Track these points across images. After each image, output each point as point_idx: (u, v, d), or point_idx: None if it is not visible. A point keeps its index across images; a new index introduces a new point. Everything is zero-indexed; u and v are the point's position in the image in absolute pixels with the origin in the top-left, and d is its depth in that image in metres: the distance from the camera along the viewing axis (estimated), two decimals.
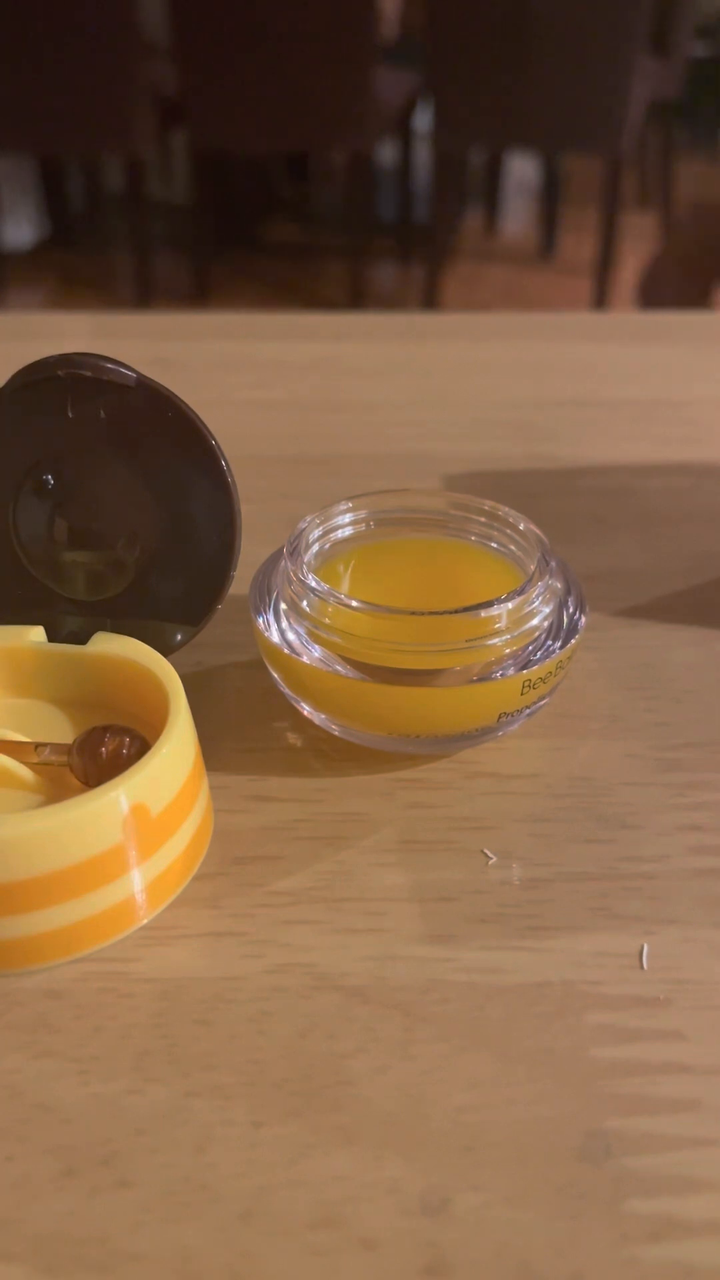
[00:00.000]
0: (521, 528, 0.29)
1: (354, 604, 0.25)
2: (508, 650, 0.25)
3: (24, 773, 0.24)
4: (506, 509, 0.29)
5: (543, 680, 0.26)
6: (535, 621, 0.26)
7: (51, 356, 0.25)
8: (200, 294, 2.03)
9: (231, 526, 0.26)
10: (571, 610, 0.27)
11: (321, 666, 0.26)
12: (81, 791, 0.22)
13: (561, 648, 0.26)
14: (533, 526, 0.28)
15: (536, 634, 0.26)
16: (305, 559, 0.27)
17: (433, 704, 0.25)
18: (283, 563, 0.27)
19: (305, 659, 0.26)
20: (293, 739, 0.28)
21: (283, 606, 0.27)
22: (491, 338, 0.56)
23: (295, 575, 0.26)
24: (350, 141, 1.82)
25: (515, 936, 0.23)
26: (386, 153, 2.31)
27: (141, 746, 0.24)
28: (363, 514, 0.30)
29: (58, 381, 0.25)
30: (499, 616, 0.25)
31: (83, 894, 0.21)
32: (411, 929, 0.23)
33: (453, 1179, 0.18)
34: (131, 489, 0.26)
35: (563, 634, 0.27)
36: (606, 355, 0.54)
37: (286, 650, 0.26)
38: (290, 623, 0.27)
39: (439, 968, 0.22)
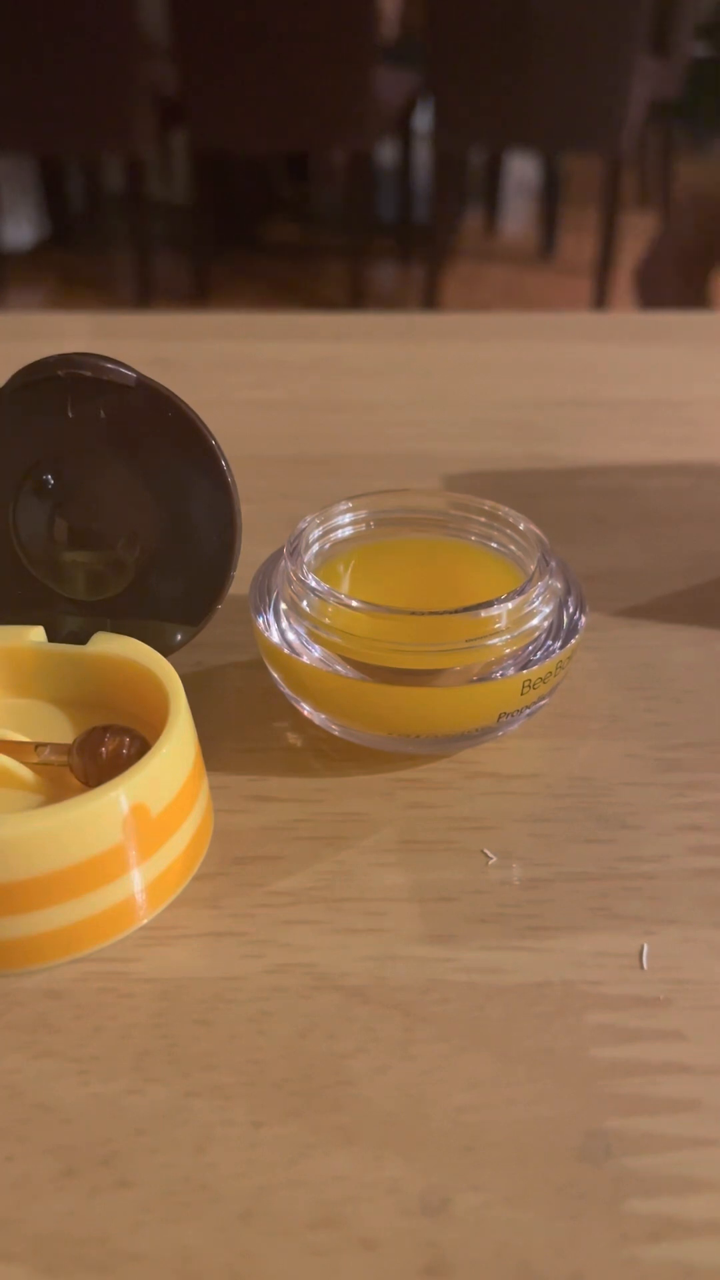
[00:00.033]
0: (521, 528, 0.29)
1: (354, 604, 0.25)
2: (508, 650, 0.25)
3: (24, 773, 0.24)
4: (506, 509, 0.29)
5: (543, 680, 0.26)
6: (535, 621, 0.26)
7: (51, 356, 0.25)
8: (200, 294, 2.03)
9: (231, 526, 0.26)
10: (571, 610, 0.27)
11: (321, 666, 0.26)
12: (81, 791, 0.22)
13: (561, 648, 0.26)
14: (533, 526, 0.28)
15: (536, 634, 0.26)
16: (305, 559, 0.27)
17: (433, 704, 0.25)
18: (283, 563, 0.27)
19: (305, 659, 0.26)
20: (293, 739, 0.28)
21: (283, 606, 0.27)
22: (491, 338, 0.56)
23: (295, 575, 0.26)
24: (350, 141, 1.82)
25: (515, 936, 0.23)
26: (386, 153, 2.31)
27: (141, 746, 0.24)
28: (363, 514, 0.30)
29: (58, 381, 0.25)
30: (499, 616, 0.25)
31: (83, 894, 0.21)
32: (411, 929, 0.23)
33: (453, 1179, 0.18)
34: (131, 489, 0.26)
35: (563, 634, 0.27)
36: (606, 355, 0.54)
37: (286, 650, 0.26)
38: (290, 623, 0.27)
39: (439, 968, 0.22)
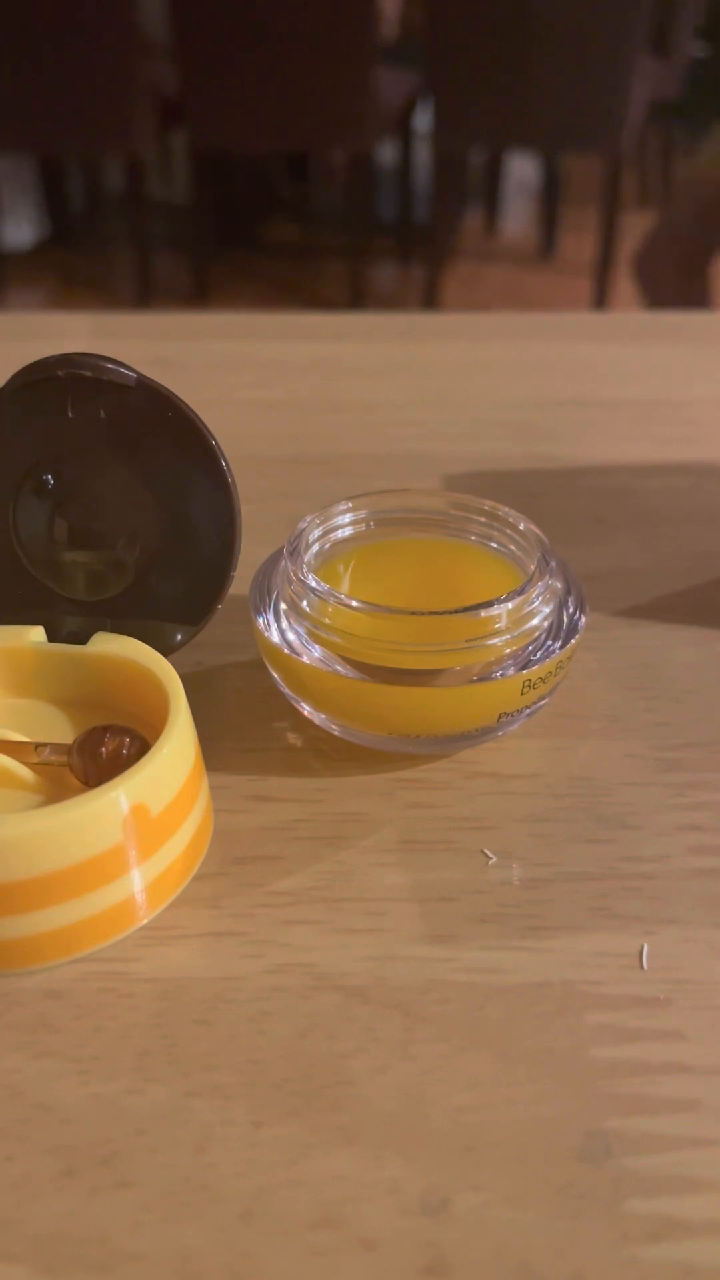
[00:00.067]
0: (521, 528, 0.29)
1: (354, 604, 0.25)
2: (508, 650, 0.25)
3: (24, 773, 0.24)
4: (506, 509, 0.29)
5: (543, 680, 0.26)
6: (535, 621, 0.26)
7: (51, 356, 0.25)
8: (200, 294, 2.03)
9: (231, 526, 0.26)
10: (571, 610, 0.27)
11: (321, 666, 0.26)
12: (81, 791, 0.22)
13: (561, 648, 0.26)
14: (533, 526, 0.28)
15: (536, 634, 0.26)
16: (305, 559, 0.27)
17: (433, 704, 0.25)
18: (283, 563, 0.27)
19: (305, 659, 0.26)
20: (293, 739, 0.28)
21: (283, 606, 0.27)
22: (491, 338, 0.56)
23: (295, 575, 0.26)
24: (350, 141, 1.82)
25: (515, 936, 0.23)
26: (386, 153, 2.31)
27: (141, 746, 0.24)
28: (363, 514, 0.30)
29: (58, 381, 0.25)
30: (499, 616, 0.25)
31: (83, 894, 0.21)
32: (411, 929, 0.23)
33: (453, 1179, 0.18)
34: (131, 489, 0.26)
35: (563, 634, 0.27)
36: (606, 355, 0.54)
37: (286, 650, 0.26)
38: (290, 623, 0.27)
39: (439, 968, 0.22)
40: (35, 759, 0.24)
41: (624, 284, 2.10)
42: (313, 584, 0.26)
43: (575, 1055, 0.20)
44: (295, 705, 0.28)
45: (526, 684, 0.25)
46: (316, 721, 0.27)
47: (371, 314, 0.79)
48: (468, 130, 1.81)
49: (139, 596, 0.27)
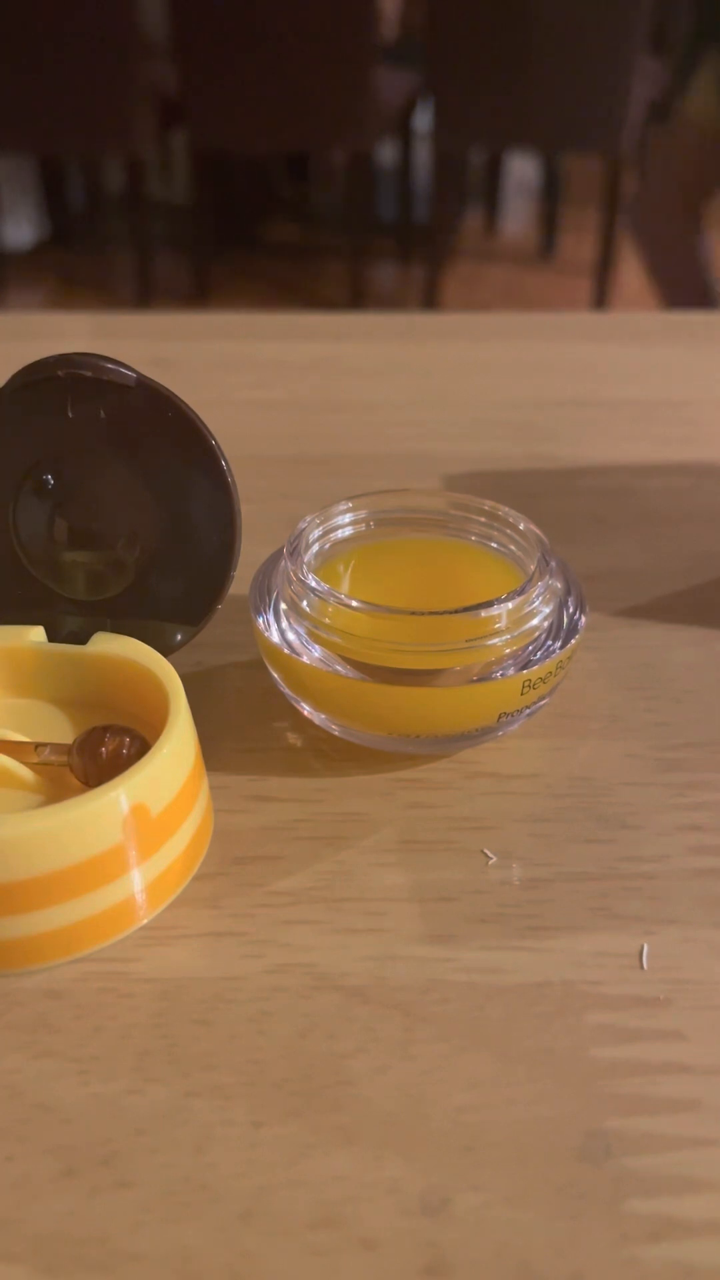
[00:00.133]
0: (521, 528, 0.29)
1: (354, 604, 0.25)
2: (508, 650, 0.25)
3: (24, 773, 0.24)
4: (506, 509, 0.29)
5: (543, 680, 0.26)
6: (535, 621, 0.26)
7: (51, 356, 0.25)
8: (200, 294, 2.03)
9: (231, 526, 0.26)
10: (571, 610, 0.27)
11: (321, 666, 0.26)
12: (81, 791, 0.22)
13: (561, 648, 0.26)
14: (533, 526, 0.28)
15: (536, 634, 0.26)
16: (305, 559, 0.27)
17: (433, 704, 0.25)
18: (283, 563, 0.27)
19: (305, 659, 0.26)
20: (293, 739, 0.28)
21: (283, 606, 0.27)
22: (491, 338, 0.56)
23: (295, 575, 0.26)
24: (350, 141, 1.82)
25: (515, 936, 0.23)
26: (386, 153, 2.31)
27: (141, 746, 0.24)
28: (363, 514, 0.30)
29: (58, 381, 0.25)
30: (499, 616, 0.25)
31: (83, 894, 0.21)
32: (411, 929, 0.23)
33: (453, 1179, 0.18)
34: (131, 489, 0.26)
35: (563, 634, 0.27)
36: (606, 355, 0.54)
37: (286, 650, 0.26)
38: (290, 623, 0.27)
39: (439, 968, 0.22)
40: (35, 759, 0.24)
41: (624, 284, 2.10)
42: (313, 584, 0.26)
43: (575, 1055, 0.20)
44: (295, 705, 0.28)
45: (526, 684, 0.25)
46: (316, 721, 0.27)
47: (371, 314, 0.79)
48: (468, 130, 1.80)
49: (139, 596, 0.27)
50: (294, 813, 0.26)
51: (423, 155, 2.18)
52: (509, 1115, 0.19)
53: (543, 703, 0.27)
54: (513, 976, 0.22)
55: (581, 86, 1.68)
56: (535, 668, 0.25)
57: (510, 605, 0.25)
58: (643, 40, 1.68)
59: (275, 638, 0.27)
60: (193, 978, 0.22)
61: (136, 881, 0.22)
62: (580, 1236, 0.17)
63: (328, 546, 0.29)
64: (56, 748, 0.24)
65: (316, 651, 0.26)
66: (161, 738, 0.23)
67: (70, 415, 0.26)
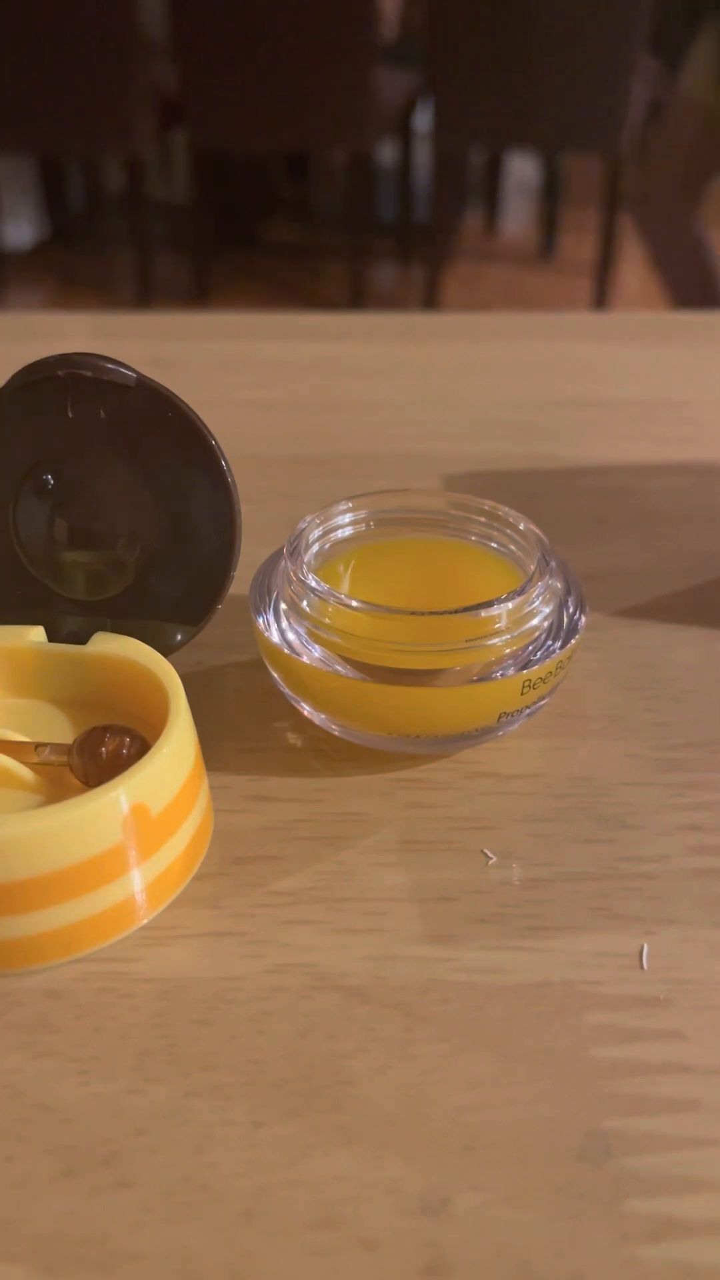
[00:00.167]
0: (521, 528, 0.29)
1: (354, 604, 0.25)
2: (508, 650, 0.25)
3: (24, 773, 0.24)
4: (506, 509, 0.29)
5: (543, 680, 0.26)
6: (535, 621, 0.26)
7: (51, 356, 0.25)
8: (200, 294, 2.03)
9: (231, 526, 0.26)
10: (571, 610, 0.27)
11: (321, 666, 0.26)
12: (81, 791, 0.22)
13: (561, 648, 0.26)
14: (533, 526, 0.28)
15: (536, 634, 0.26)
16: (305, 559, 0.27)
17: (433, 704, 0.25)
18: (283, 563, 0.27)
19: (305, 659, 0.26)
20: (293, 739, 0.28)
21: (283, 606, 0.27)
22: (491, 338, 0.56)
23: (295, 575, 0.26)
24: (350, 141, 1.82)
25: (515, 936, 0.23)
26: (386, 153, 2.31)
27: (141, 746, 0.24)
28: (363, 514, 0.30)
29: (58, 381, 0.25)
30: (499, 616, 0.25)
31: (83, 894, 0.21)
32: (411, 929, 0.23)
33: (453, 1179, 0.18)
34: (131, 489, 0.26)
35: (563, 634, 0.27)
36: (606, 355, 0.54)
37: (286, 650, 0.26)
38: (290, 623, 0.27)
39: (439, 968, 0.22)
40: (35, 759, 0.24)
41: (624, 284, 2.10)
42: (313, 584, 0.26)
43: (575, 1055, 0.20)
44: (295, 705, 0.28)
45: (526, 684, 0.25)
46: (316, 721, 0.27)
47: (371, 314, 0.79)
48: (468, 130, 1.80)
49: (139, 596, 0.27)
50: (294, 813, 0.26)
51: (423, 155, 2.18)
52: (509, 1115, 0.19)
53: (543, 703, 0.27)
54: (513, 976, 0.22)
55: (581, 86, 1.68)
56: (535, 668, 0.25)
57: (510, 605, 0.25)
58: (643, 40, 1.68)
59: (275, 638, 0.27)
60: (193, 978, 0.22)
61: (136, 881, 0.22)
62: (580, 1236, 0.17)
63: (328, 546, 0.29)
64: (56, 748, 0.24)
65: (316, 651, 0.26)
66: (161, 738, 0.23)
67: (70, 415, 0.26)
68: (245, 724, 0.29)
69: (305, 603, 0.26)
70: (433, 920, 0.23)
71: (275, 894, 0.24)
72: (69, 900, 0.21)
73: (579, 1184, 0.18)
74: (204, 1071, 0.20)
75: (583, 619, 0.27)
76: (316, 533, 0.29)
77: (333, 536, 0.29)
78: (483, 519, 0.30)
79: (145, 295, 1.98)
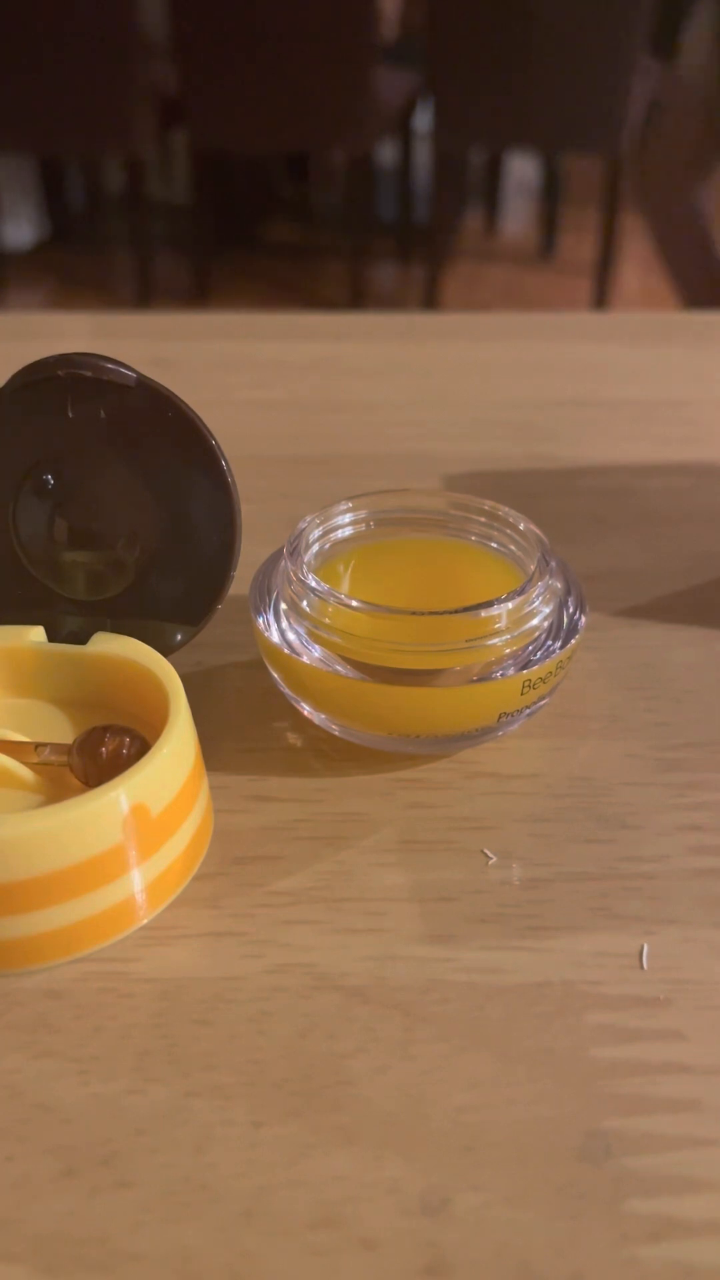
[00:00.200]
0: (521, 528, 0.29)
1: (354, 604, 0.25)
2: (508, 650, 0.25)
3: (24, 773, 0.24)
4: (506, 509, 0.29)
5: (543, 680, 0.26)
6: (535, 621, 0.26)
7: (51, 356, 0.25)
8: (200, 294, 2.03)
9: (231, 526, 0.26)
10: (571, 610, 0.27)
11: (321, 666, 0.26)
12: (81, 791, 0.22)
13: (561, 648, 0.26)
14: (533, 526, 0.28)
15: (536, 634, 0.26)
16: (305, 559, 0.27)
17: (433, 704, 0.25)
18: (283, 563, 0.27)
19: (305, 659, 0.26)
20: (293, 739, 0.28)
21: (283, 606, 0.27)
22: (491, 338, 0.56)
23: (295, 575, 0.26)
24: (350, 141, 1.82)
25: (515, 936, 0.23)
26: (386, 153, 2.31)
27: (141, 746, 0.24)
28: (363, 514, 0.30)
29: (58, 381, 0.25)
30: (499, 616, 0.25)
31: (83, 894, 0.21)
32: (411, 929, 0.23)
33: (453, 1179, 0.18)
34: (131, 489, 0.26)
35: (563, 634, 0.27)
36: (606, 355, 0.54)
37: (286, 650, 0.26)
38: (290, 623, 0.27)
39: (439, 968, 0.22)
40: (35, 759, 0.24)
41: (624, 284, 2.10)
42: (313, 584, 0.26)
43: (575, 1055, 0.20)
44: (295, 705, 0.28)
45: (526, 684, 0.25)
46: (316, 721, 0.27)
47: (371, 314, 0.79)
48: (468, 130, 1.80)
49: (139, 596, 0.27)
50: (294, 813, 0.26)
51: (423, 155, 2.18)
52: (509, 1115, 0.19)
53: (543, 703, 0.27)
54: (513, 976, 0.22)
55: (581, 86, 1.68)
56: (535, 668, 0.25)
57: (510, 605, 0.25)
58: (643, 40, 1.68)
59: (275, 638, 0.27)
60: (193, 978, 0.22)
61: (136, 881, 0.22)
62: (580, 1236, 0.17)
63: (328, 546, 0.29)
64: (56, 748, 0.24)
65: (316, 651, 0.26)
66: (161, 738, 0.23)
67: (70, 415, 0.26)
68: (245, 724, 0.29)
69: (305, 603, 0.26)
70: (433, 920, 0.23)
71: (275, 894, 0.24)
72: (69, 900, 0.21)
73: (579, 1184, 0.18)
74: (204, 1071, 0.20)
75: (583, 619, 0.27)
76: (316, 533, 0.29)
77: (333, 536, 0.29)
78: (483, 519, 0.30)
79: (145, 295, 1.98)
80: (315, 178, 2.73)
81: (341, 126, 1.78)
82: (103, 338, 0.55)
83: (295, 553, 0.27)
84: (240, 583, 0.27)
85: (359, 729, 0.27)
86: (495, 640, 0.25)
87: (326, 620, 0.26)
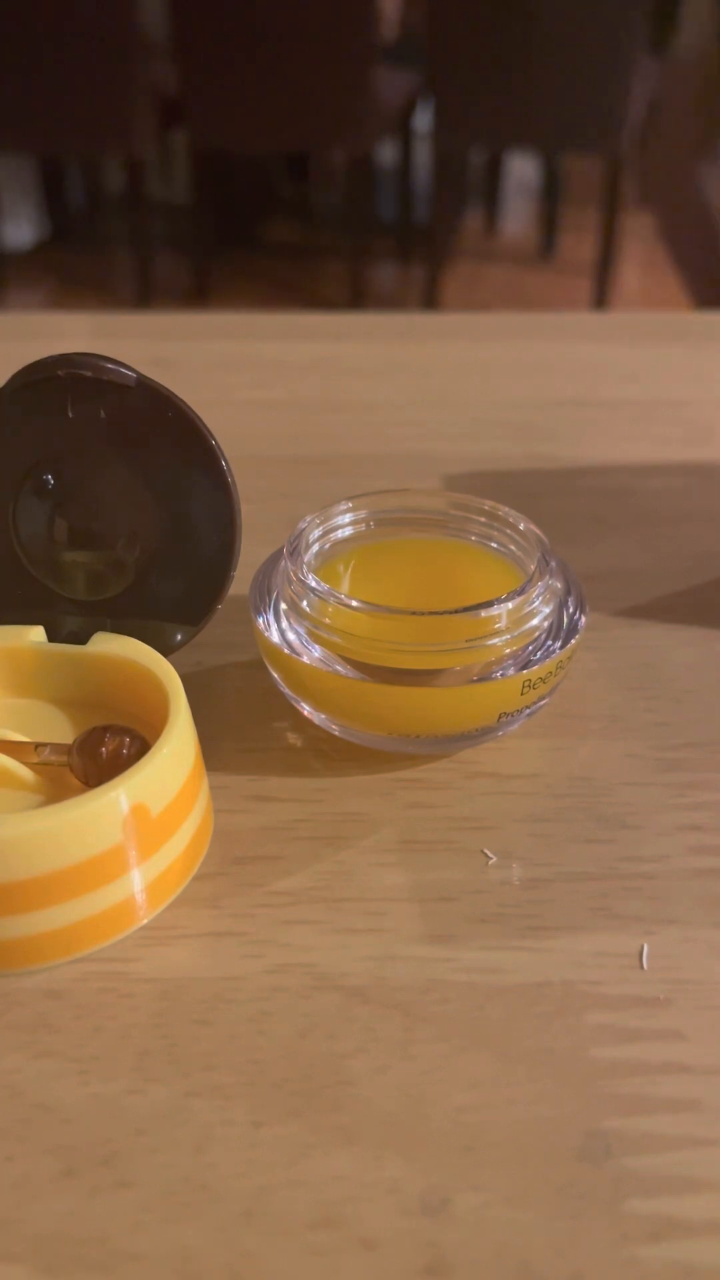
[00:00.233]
0: (521, 528, 0.29)
1: (354, 604, 0.25)
2: (508, 650, 0.25)
3: (24, 773, 0.24)
4: (506, 509, 0.29)
5: (543, 680, 0.26)
6: (535, 621, 0.26)
7: (51, 356, 0.25)
8: (200, 294, 2.03)
9: (231, 526, 0.26)
10: (571, 610, 0.27)
11: (321, 666, 0.26)
12: (81, 791, 0.22)
13: (561, 648, 0.26)
14: (533, 526, 0.28)
15: (536, 634, 0.26)
16: (305, 559, 0.27)
17: (433, 704, 0.25)
18: (283, 563, 0.27)
19: (305, 659, 0.26)
20: (293, 739, 0.28)
21: (283, 606, 0.27)
22: (491, 338, 0.56)
23: (295, 575, 0.26)
24: (350, 141, 1.82)
25: (515, 936, 0.23)
26: (386, 153, 2.31)
27: (141, 746, 0.24)
28: (363, 514, 0.30)
29: (58, 381, 0.25)
30: (499, 616, 0.25)
31: (83, 894, 0.21)
32: (411, 929, 0.23)
33: (453, 1179, 0.18)
34: (131, 489, 0.26)
35: (563, 634, 0.27)
36: (606, 355, 0.54)
37: (286, 650, 0.26)
38: (290, 623, 0.27)
39: (439, 968, 0.22)
40: (35, 759, 0.24)
41: (624, 284, 2.10)
42: (313, 584, 0.26)
43: (575, 1055, 0.20)
44: (295, 705, 0.28)
45: (526, 684, 0.25)
46: (316, 721, 0.27)
47: (371, 314, 0.79)
48: (468, 130, 1.80)
49: (139, 596, 0.27)
50: (294, 813, 0.26)
51: (423, 155, 2.18)
52: (509, 1115, 0.19)
53: (543, 703, 0.27)
54: (513, 976, 0.22)
55: (581, 86, 1.68)
56: (535, 668, 0.25)
57: (510, 605, 0.25)
58: (643, 40, 1.68)
59: (275, 638, 0.27)
60: (193, 978, 0.22)
61: (136, 881, 0.22)
62: (580, 1236, 0.17)
63: (328, 546, 0.29)
64: (56, 748, 0.24)
65: (316, 651, 0.26)
66: (161, 738, 0.23)
67: (70, 415, 0.26)
68: (245, 724, 0.29)
69: (305, 603, 0.26)
70: (433, 920, 0.23)
71: (275, 894, 0.24)
72: (69, 900, 0.21)
73: (579, 1184, 0.18)
74: (204, 1071, 0.20)
75: (583, 619, 0.27)
76: (316, 533, 0.29)
77: (333, 536, 0.29)
78: (483, 519, 0.30)
79: (145, 295, 1.98)
80: (315, 178, 2.73)
81: (341, 126, 1.78)
82: (103, 338, 0.55)
83: (295, 553, 0.27)
84: (240, 583, 0.27)
85: (359, 729, 0.27)
86: (495, 640, 0.25)
87: (326, 620, 0.26)
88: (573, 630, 0.27)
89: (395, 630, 0.25)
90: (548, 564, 0.27)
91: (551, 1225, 0.18)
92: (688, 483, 0.42)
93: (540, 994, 0.21)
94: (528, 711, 0.27)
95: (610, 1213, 0.18)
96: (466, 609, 0.25)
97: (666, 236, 1.57)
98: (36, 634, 0.27)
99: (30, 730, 0.26)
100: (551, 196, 2.33)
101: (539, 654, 0.26)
